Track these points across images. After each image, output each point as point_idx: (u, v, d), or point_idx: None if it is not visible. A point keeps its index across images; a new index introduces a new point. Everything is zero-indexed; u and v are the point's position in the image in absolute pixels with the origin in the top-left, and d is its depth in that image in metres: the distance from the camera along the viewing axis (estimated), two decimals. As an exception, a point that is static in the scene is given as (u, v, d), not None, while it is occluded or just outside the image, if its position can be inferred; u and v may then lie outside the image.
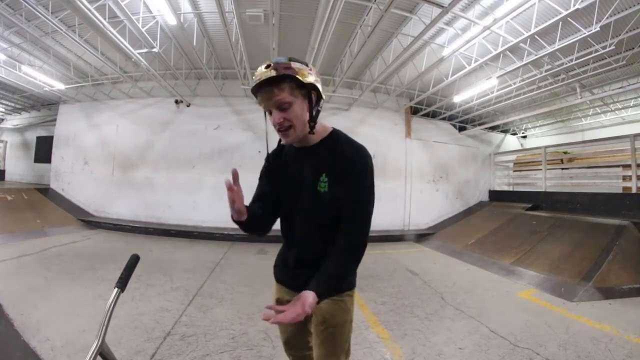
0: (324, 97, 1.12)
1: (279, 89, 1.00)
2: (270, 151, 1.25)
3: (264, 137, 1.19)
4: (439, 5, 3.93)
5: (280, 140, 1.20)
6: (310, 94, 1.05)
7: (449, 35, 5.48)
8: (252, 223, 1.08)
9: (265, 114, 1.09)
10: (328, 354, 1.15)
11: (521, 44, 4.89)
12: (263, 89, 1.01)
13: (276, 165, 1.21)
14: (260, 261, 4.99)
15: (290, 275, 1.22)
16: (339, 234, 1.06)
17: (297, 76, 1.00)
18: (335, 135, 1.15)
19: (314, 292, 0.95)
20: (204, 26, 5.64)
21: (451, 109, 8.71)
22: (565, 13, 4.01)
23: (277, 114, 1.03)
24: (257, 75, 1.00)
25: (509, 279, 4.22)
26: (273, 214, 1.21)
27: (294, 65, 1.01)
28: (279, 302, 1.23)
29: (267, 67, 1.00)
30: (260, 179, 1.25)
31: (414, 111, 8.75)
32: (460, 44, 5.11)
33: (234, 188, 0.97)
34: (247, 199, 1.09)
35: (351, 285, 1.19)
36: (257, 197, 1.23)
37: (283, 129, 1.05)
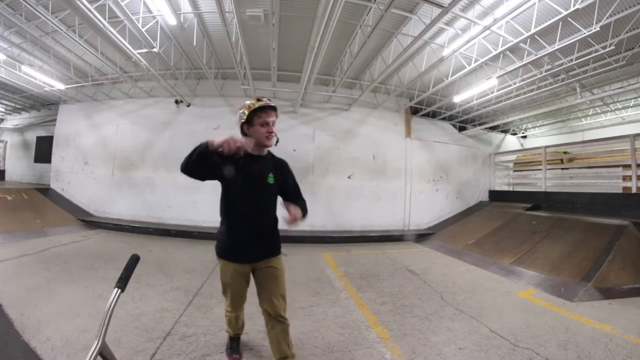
0: None
1: (275, 113, 1.74)
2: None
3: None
4: (439, 5, 3.93)
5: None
6: None
7: (449, 35, 5.47)
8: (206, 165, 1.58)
9: (256, 124, 1.70)
10: (280, 289, 1.80)
11: (521, 44, 4.89)
12: (271, 108, 1.71)
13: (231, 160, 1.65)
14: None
15: (256, 252, 1.77)
16: (296, 200, 1.76)
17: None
18: (271, 152, 1.84)
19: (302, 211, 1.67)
20: (204, 26, 5.64)
21: (451, 109, 8.71)
22: (565, 13, 4.00)
23: (272, 126, 1.71)
24: (265, 102, 1.69)
25: (509, 279, 4.22)
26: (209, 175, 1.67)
27: None
28: (240, 276, 1.81)
29: (269, 100, 1.72)
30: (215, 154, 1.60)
31: (414, 111, 8.75)
32: (460, 44, 5.11)
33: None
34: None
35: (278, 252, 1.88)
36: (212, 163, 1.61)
37: (272, 135, 1.72)
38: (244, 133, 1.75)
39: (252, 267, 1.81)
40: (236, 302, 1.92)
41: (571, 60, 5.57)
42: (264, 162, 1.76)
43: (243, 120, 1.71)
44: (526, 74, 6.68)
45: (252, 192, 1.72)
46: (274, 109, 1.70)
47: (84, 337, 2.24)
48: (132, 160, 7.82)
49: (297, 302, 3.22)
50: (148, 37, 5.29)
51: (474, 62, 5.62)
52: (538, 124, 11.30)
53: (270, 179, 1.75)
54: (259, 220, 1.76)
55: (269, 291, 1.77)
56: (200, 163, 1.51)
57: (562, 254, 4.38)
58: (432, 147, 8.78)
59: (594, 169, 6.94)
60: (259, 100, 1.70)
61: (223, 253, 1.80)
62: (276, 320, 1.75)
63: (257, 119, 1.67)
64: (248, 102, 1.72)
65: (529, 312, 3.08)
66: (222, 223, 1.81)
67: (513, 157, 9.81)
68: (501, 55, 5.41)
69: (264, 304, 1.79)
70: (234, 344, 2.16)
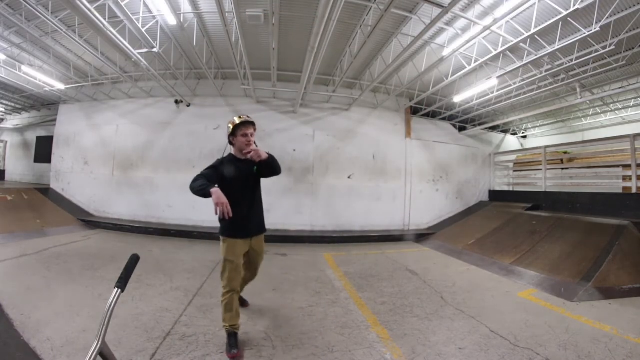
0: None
1: (254, 127, 2.35)
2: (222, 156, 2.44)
3: (263, 138, 2.45)
4: (439, 5, 3.93)
5: (228, 154, 2.45)
6: None
7: (449, 35, 5.47)
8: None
9: (239, 135, 2.30)
10: (261, 263, 2.65)
11: (521, 44, 4.89)
12: (250, 123, 2.31)
13: (225, 164, 2.32)
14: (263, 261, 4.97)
15: (252, 229, 2.40)
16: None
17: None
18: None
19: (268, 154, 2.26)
20: (204, 26, 5.64)
21: (451, 109, 8.70)
22: (565, 13, 4.00)
23: (252, 137, 2.32)
24: (245, 119, 2.30)
25: (509, 279, 4.22)
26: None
27: None
28: (241, 253, 2.36)
29: (248, 117, 2.33)
30: (214, 168, 2.26)
31: (414, 111, 8.75)
32: (460, 44, 5.11)
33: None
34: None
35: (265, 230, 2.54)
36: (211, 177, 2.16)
37: (250, 144, 2.29)
38: (230, 142, 2.37)
39: (249, 243, 2.39)
40: (234, 279, 2.29)
41: (571, 60, 5.57)
42: (247, 161, 2.31)
43: (229, 133, 2.33)
44: (526, 74, 6.68)
45: (245, 183, 2.34)
46: (252, 124, 2.32)
47: (84, 337, 2.24)
48: (132, 160, 7.82)
49: (297, 302, 3.23)
50: (148, 37, 5.29)
51: (474, 62, 5.62)
52: (538, 124, 11.30)
53: (255, 170, 2.35)
54: (254, 202, 2.38)
55: (255, 266, 2.64)
56: (200, 196, 2.00)
57: (562, 254, 4.38)
58: (432, 147, 8.78)
59: (594, 169, 6.93)
60: (240, 117, 2.31)
61: (233, 232, 2.29)
62: (251, 278, 2.73)
63: (239, 131, 2.28)
64: (233, 118, 2.34)
65: (529, 312, 3.08)
66: None
67: (513, 157, 9.80)
68: (501, 55, 5.40)
69: (252, 272, 2.67)
70: (232, 340, 2.21)
